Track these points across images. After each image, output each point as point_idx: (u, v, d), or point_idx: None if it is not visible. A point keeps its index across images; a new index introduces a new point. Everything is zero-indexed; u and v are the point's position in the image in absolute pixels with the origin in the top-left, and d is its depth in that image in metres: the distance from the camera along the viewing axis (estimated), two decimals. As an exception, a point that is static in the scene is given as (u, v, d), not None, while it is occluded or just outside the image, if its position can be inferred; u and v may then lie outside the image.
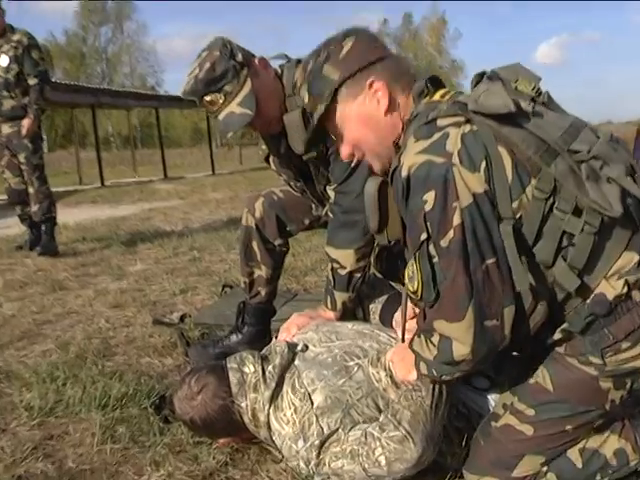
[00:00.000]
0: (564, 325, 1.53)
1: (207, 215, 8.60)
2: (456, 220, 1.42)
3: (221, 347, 2.80)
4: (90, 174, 20.36)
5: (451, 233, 1.43)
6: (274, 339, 2.30)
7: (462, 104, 1.51)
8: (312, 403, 1.79)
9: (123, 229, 7.50)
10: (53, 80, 18.37)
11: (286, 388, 1.85)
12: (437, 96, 1.62)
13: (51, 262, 5.40)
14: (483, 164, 1.44)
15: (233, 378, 1.89)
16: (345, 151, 1.72)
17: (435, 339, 1.57)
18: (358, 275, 2.31)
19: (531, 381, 1.63)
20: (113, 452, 2.03)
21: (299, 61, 2.31)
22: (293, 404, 1.81)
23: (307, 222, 2.76)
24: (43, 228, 5.82)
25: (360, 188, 2.16)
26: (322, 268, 4.55)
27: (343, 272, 2.30)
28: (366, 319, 2.39)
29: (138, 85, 53.70)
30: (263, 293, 2.78)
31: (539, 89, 1.52)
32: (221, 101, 2.22)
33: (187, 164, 30.26)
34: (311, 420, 1.75)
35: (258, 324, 2.80)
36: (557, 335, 1.55)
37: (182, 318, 3.42)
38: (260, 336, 2.80)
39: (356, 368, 1.84)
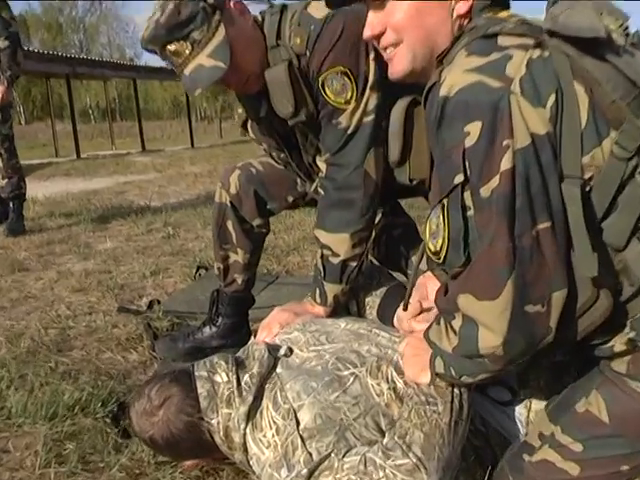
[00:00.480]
0: (629, 333, 1.19)
1: (184, 189, 8.20)
2: (505, 164, 1.09)
3: (192, 341, 2.47)
4: (67, 147, 19.81)
5: (496, 180, 1.10)
6: (252, 337, 1.95)
7: (534, 26, 1.18)
8: (298, 422, 1.45)
9: (95, 203, 7.12)
10: (28, 49, 17.90)
11: (266, 402, 1.52)
12: (503, 14, 1.28)
13: (13, 239, 5.02)
14: (551, 99, 1.10)
15: (202, 389, 1.55)
16: (378, 27, 1.34)
17: (457, 323, 1.24)
18: (353, 264, 1.95)
19: (579, 408, 1.29)
20: (58, 477, 1.69)
21: (284, 7, 1.94)
22: (274, 423, 1.48)
23: (291, 199, 2.38)
24: (11, 205, 5.42)
25: (358, 160, 1.81)
26: (305, 247, 4.24)
27: (336, 260, 1.94)
28: (361, 315, 2.04)
29: (116, 57, 52.75)
30: (240, 280, 2.43)
31: (627, 27, 1.15)
32: (187, 51, 1.79)
33: (166, 137, 29.80)
34: (296, 444, 1.42)
35: (234, 315, 2.46)
36: (618, 346, 1.20)
37: (150, 305, 3.07)
38: (237, 328, 2.46)
39: (352, 379, 1.51)
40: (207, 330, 2.47)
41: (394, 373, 1.51)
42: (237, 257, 2.39)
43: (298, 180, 2.30)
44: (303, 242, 4.39)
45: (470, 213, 1.15)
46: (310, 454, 1.40)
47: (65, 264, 4.20)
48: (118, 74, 23.64)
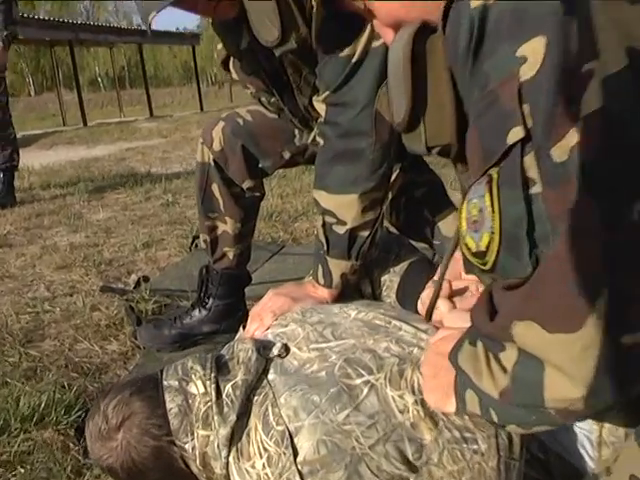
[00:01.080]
0: None
1: (189, 154, 7.75)
2: (590, 103, 0.68)
3: (179, 327, 2.10)
4: (76, 116, 19.47)
5: (575, 133, 0.68)
6: (240, 330, 1.58)
7: None
8: (295, 451, 1.09)
9: (94, 171, 6.77)
10: (29, 16, 17.46)
11: (254, 422, 1.16)
12: None
13: (0, 212, 4.67)
14: None
15: (172, 404, 1.19)
16: None
17: (509, 357, 0.80)
18: (365, 234, 1.54)
19: None
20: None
21: None
22: (265, 450, 1.12)
23: (288, 156, 1.96)
24: (1, 177, 5.07)
25: (367, 97, 1.40)
26: (315, 212, 3.83)
27: (342, 230, 1.53)
28: (377, 298, 1.64)
29: (124, 24, 52.19)
30: (231, 255, 2.05)
31: None
32: None
33: (176, 103, 29.45)
34: None
35: (227, 296, 2.08)
36: None
37: (138, 283, 2.71)
38: (230, 311, 2.09)
39: (365, 390, 1.13)
40: (196, 314, 2.10)
41: (422, 380, 1.14)
42: (226, 227, 2.01)
43: (296, 131, 1.89)
44: (313, 207, 3.94)
45: (535, 190, 0.72)
46: None
47: (52, 238, 3.84)
48: (123, 39, 23.10)
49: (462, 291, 1.35)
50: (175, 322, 2.12)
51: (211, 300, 2.09)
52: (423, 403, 1.10)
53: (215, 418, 1.16)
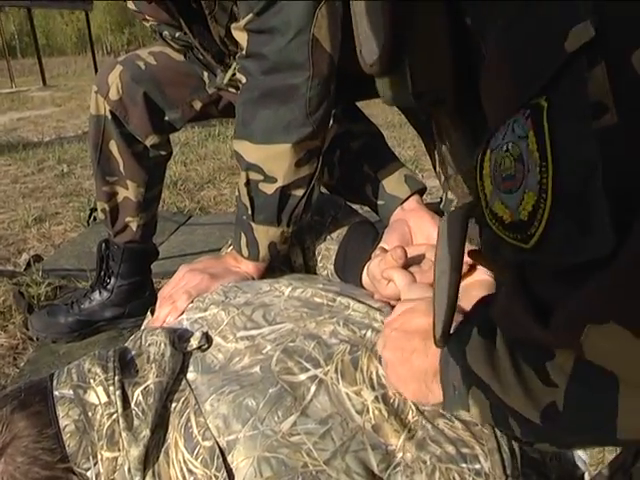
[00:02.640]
0: None
1: (85, 123, 7.30)
2: None
3: (77, 313, 1.82)
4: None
5: None
6: (148, 317, 1.31)
7: None
8: (230, 474, 0.86)
9: (-20, 144, 6.27)
10: None
11: (174, 437, 0.91)
12: None
13: None
14: None
15: (66, 420, 0.93)
16: None
17: (561, 368, 0.56)
18: (299, 193, 1.27)
19: None
20: None
21: None
22: (190, 472, 0.88)
23: (198, 106, 1.68)
24: None
25: (300, 20, 1.12)
26: (222, 178, 3.66)
27: (271, 188, 1.25)
28: (310, 270, 1.39)
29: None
30: (134, 226, 1.77)
31: None
32: None
33: (71, 73, 28.26)
34: None
35: (131, 274, 1.81)
36: None
37: (29, 263, 2.39)
38: (136, 291, 1.83)
39: (313, 388, 0.90)
40: (96, 297, 1.82)
41: (381, 371, 0.92)
42: (127, 193, 1.73)
43: (205, 75, 1.60)
44: (219, 173, 3.83)
45: (610, 121, 0.45)
46: None
47: None
48: (9, 2, 21.84)
49: (417, 260, 1.13)
50: (72, 307, 1.84)
51: (113, 280, 1.82)
52: (385, 399, 0.89)
53: (123, 435, 0.90)
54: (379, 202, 1.39)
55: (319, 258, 1.35)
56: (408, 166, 1.52)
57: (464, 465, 0.83)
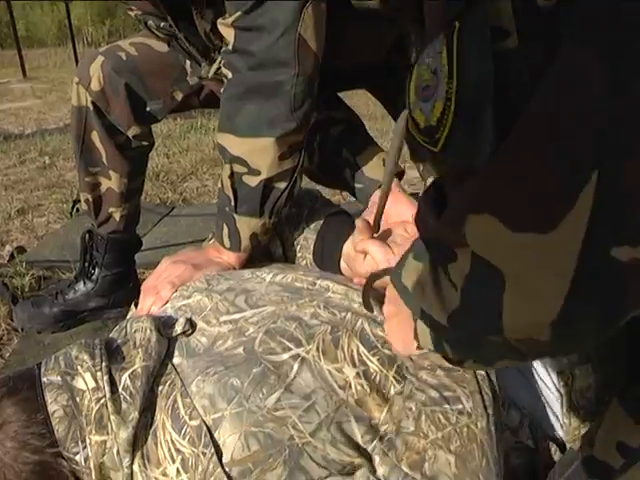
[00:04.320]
0: None
1: (66, 115, 7.22)
2: None
3: (62, 304, 1.83)
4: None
5: None
6: (132, 309, 1.33)
7: None
8: (218, 450, 0.88)
9: (-40, 136, 6.21)
10: None
11: (162, 418, 0.93)
12: None
13: None
14: None
15: (55, 406, 0.95)
16: None
17: (461, 269, 0.58)
18: (281, 185, 1.29)
19: None
20: None
21: None
22: (178, 451, 0.90)
23: (180, 96, 1.69)
24: None
25: (288, 19, 1.16)
26: (204, 170, 3.65)
27: (254, 181, 1.27)
28: (289, 260, 1.41)
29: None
30: (117, 216, 1.79)
31: None
32: None
33: (52, 65, 27.93)
34: None
35: (115, 265, 1.83)
36: None
37: (13, 255, 2.39)
38: (120, 282, 1.84)
39: (296, 366, 0.93)
40: (81, 287, 1.84)
41: (362, 349, 0.95)
42: (110, 183, 1.74)
43: (187, 64, 1.62)
44: (202, 165, 3.81)
45: (509, 45, 0.52)
46: None
47: None
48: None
49: (386, 235, 1.15)
50: (57, 298, 1.85)
51: (97, 270, 1.83)
52: (367, 375, 0.92)
53: (112, 418, 0.92)
54: (357, 186, 1.42)
55: (298, 248, 1.37)
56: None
57: (447, 406, 0.88)
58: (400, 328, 0.85)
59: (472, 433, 0.85)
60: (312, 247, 1.34)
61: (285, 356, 0.94)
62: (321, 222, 1.36)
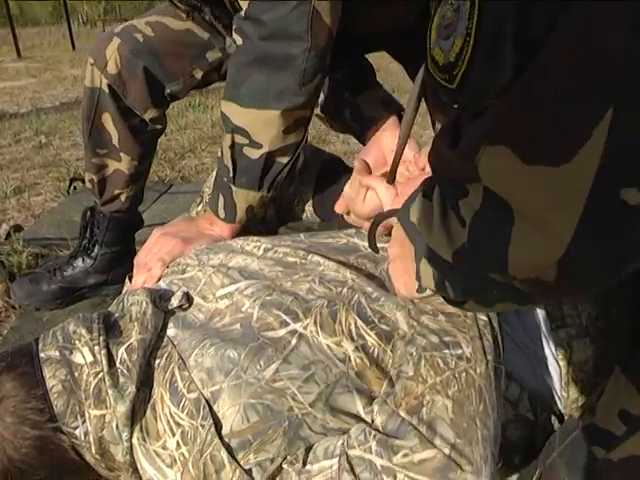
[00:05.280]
0: None
1: (62, 94, 7.18)
2: None
3: (60, 280, 1.83)
4: None
5: None
6: (127, 283, 1.32)
7: None
8: (217, 422, 0.88)
9: (-46, 116, 6.18)
10: None
11: (160, 392, 0.93)
12: None
13: None
14: None
15: (53, 381, 0.95)
16: None
17: (471, 204, 0.59)
18: (283, 160, 1.27)
19: None
20: None
21: None
22: (178, 425, 0.90)
23: (200, 74, 1.66)
24: None
25: None
26: (202, 148, 3.64)
27: (255, 153, 1.25)
28: (283, 218, 1.40)
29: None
30: (124, 197, 1.77)
31: None
32: None
33: (46, 44, 27.74)
34: (220, 459, 0.86)
35: (116, 243, 1.82)
36: None
37: (9, 233, 2.38)
38: (120, 259, 1.83)
39: (294, 341, 0.92)
40: (79, 264, 1.83)
41: (360, 322, 0.94)
42: (119, 165, 1.72)
43: (209, 39, 1.59)
44: (200, 142, 3.79)
45: None
46: (247, 472, 0.85)
47: None
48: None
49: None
50: (55, 275, 1.84)
51: (97, 248, 1.82)
52: (365, 349, 0.91)
53: (110, 392, 0.92)
54: (357, 126, 1.40)
55: (295, 202, 1.35)
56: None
57: (447, 351, 0.87)
58: (404, 271, 0.85)
59: (470, 378, 0.85)
60: (311, 200, 1.32)
61: (282, 332, 0.93)
62: (315, 172, 1.34)
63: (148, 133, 1.73)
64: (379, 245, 1.02)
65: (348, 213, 1.21)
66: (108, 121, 1.67)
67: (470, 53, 0.54)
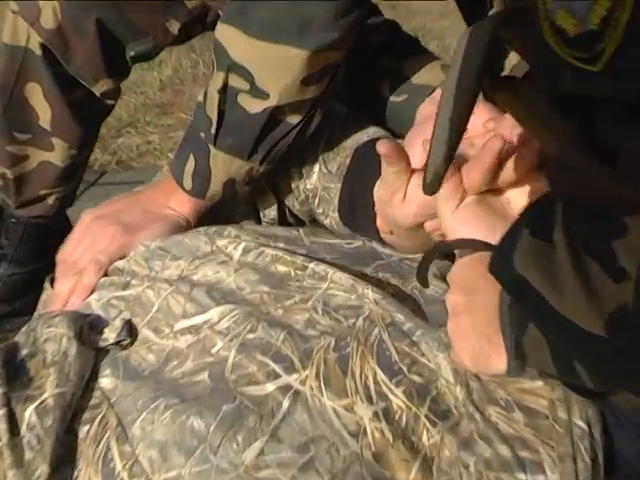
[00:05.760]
0: None
1: None
2: None
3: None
4: None
5: None
6: (47, 288, 1.00)
7: None
8: None
9: None
10: None
11: (88, 473, 0.65)
12: None
13: None
14: None
15: None
16: None
17: (633, 249, 0.45)
18: (294, 121, 0.94)
19: None
20: None
21: None
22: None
23: (176, 27, 1.27)
24: None
25: None
26: (147, 120, 3.12)
27: (257, 106, 0.92)
28: (290, 224, 1.05)
29: None
30: (52, 199, 1.40)
31: None
32: None
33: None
34: None
35: (30, 260, 1.45)
36: None
37: None
38: (31, 285, 1.41)
39: (286, 403, 0.64)
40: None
41: (381, 374, 0.67)
42: (49, 156, 1.34)
43: None
44: (144, 113, 3.09)
45: None
46: None
47: None
48: None
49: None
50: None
51: (3, 266, 1.45)
52: (389, 416, 0.65)
53: (9, 475, 0.63)
54: (398, 99, 1.12)
55: (315, 202, 1.02)
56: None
57: (522, 476, 0.61)
58: (472, 332, 0.60)
59: None
60: (337, 200, 0.98)
61: (270, 387, 0.66)
62: (347, 160, 1.00)
63: (92, 110, 1.35)
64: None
65: (391, 232, 0.88)
66: (36, 94, 1.29)
67: (629, 14, 0.39)
